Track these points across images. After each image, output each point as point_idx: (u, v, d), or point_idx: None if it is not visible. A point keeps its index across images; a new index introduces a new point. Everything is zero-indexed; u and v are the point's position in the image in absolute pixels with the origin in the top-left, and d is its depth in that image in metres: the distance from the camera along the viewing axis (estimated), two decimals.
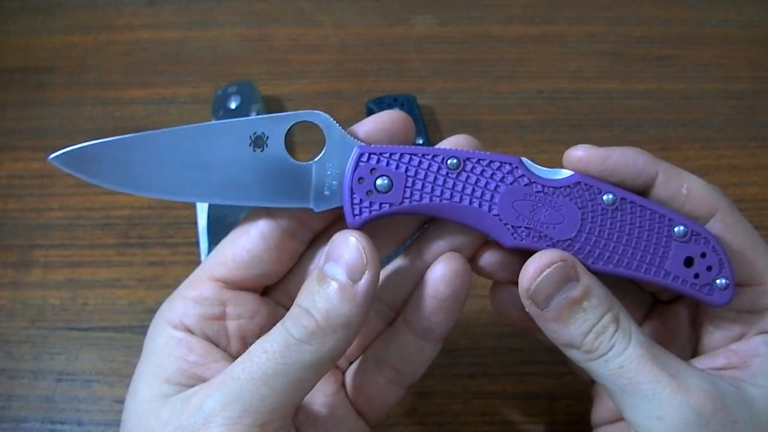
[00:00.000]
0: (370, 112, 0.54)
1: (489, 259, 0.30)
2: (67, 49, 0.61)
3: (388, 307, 0.32)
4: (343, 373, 0.34)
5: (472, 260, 0.31)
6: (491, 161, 0.29)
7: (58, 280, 0.48)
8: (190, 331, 0.29)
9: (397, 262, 0.32)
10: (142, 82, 0.58)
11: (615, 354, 0.27)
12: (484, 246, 0.30)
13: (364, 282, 0.27)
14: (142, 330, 0.31)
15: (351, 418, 0.32)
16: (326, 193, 0.29)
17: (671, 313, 0.32)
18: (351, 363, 0.34)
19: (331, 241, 0.28)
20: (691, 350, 0.32)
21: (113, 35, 0.62)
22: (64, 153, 0.28)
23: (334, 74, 0.59)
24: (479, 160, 0.29)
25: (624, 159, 0.29)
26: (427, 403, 0.42)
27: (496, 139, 0.54)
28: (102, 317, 0.46)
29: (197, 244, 0.48)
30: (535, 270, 0.27)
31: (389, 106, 0.54)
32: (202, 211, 0.49)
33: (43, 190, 0.52)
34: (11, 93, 0.58)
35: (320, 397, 0.32)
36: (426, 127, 0.53)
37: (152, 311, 0.31)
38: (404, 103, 0.54)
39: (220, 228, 0.47)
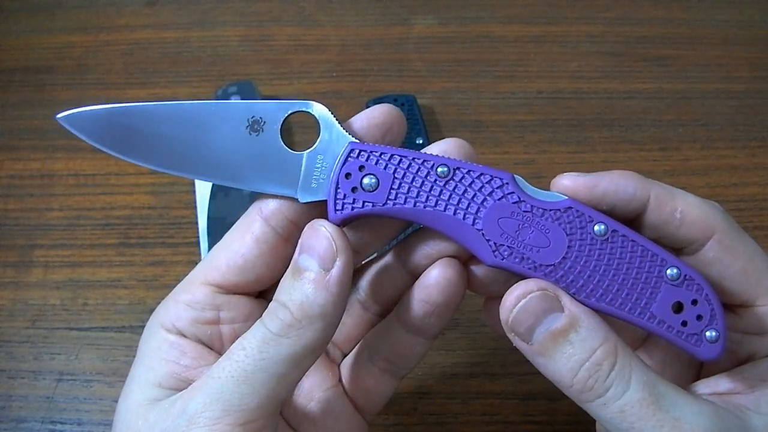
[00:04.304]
0: None
1: (481, 270, 0.30)
2: (67, 49, 0.61)
3: (375, 302, 0.32)
4: (338, 366, 0.34)
5: (465, 266, 0.30)
6: (482, 174, 0.28)
7: (58, 280, 0.48)
8: (182, 335, 0.29)
9: (388, 259, 0.32)
10: (142, 82, 0.58)
11: (614, 397, 0.26)
12: (475, 258, 0.29)
13: (336, 270, 0.27)
14: (142, 330, 0.31)
15: (348, 413, 0.32)
16: (313, 185, 0.29)
17: None
18: (345, 356, 0.34)
19: (302, 233, 0.28)
20: (697, 368, 0.31)
21: (113, 35, 0.62)
22: (71, 113, 0.28)
23: (334, 74, 0.59)
24: (470, 171, 0.28)
25: (614, 186, 0.28)
26: (427, 403, 0.42)
27: (496, 139, 0.55)
28: (102, 317, 0.46)
29: (197, 244, 0.48)
30: (512, 300, 0.27)
31: None
32: (202, 211, 0.49)
33: (43, 190, 0.52)
34: (11, 93, 0.58)
35: (318, 392, 0.32)
36: (426, 127, 0.53)
37: (152, 311, 0.31)
38: (404, 103, 0.54)
39: (220, 228, 0.47)
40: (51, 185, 0.52)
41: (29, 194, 0.52)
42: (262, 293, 0.32)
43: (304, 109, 0.29)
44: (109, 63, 0.60)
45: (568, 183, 0.28)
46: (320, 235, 0.27)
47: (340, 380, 0.33)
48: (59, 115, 0.28)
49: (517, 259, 0.27)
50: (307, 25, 0.62)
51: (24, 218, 0.51)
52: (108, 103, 0.28)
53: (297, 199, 0.29)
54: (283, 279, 0.28)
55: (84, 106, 0.29)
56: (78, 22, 0.63)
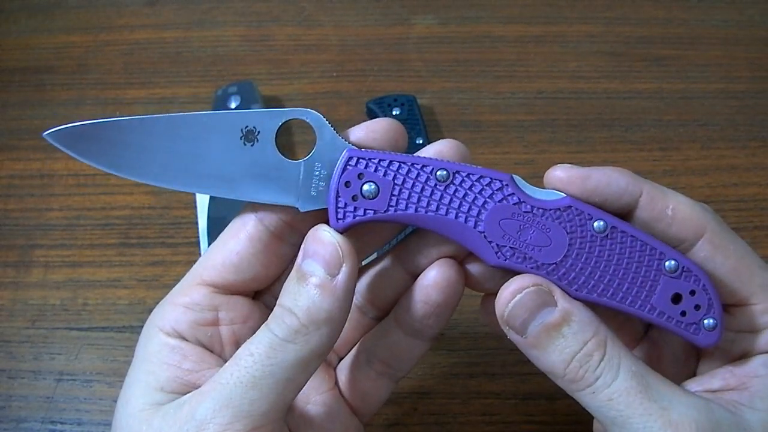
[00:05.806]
0: (370, 112, 0.54)
1: (478, 269, 0.30)
2: (67, 49, 0.61)
3: (373, 306, 0.32)
4: (335, 369, 0.34)
5: (462, 264, 0.30)
6: (481, 176, 0.28)
7: (58, 280, 0.48)
8: (183, 338, 0.29)
9: (386, 261, 0.32)
10: (142, 82, 0.58)
11: (603, 385, 0.26)
12: (472, 256, 0.30)
13: (342, 276, 0.27)
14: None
15: (345, 415, 0.32)
16: (313, 193, 0.29)
17: None
18: (341, 359, 0.34)
19: (306, 238, 0.28)
20: (693, 366, 0.31)
21: (113, 35, 0.62)
22: (59, 130, 0.28)
23: (334, 74, 0.59)
24: (469, 174, 0.28)
25: (606, 179, 0.28)
26: (427, 403, 0.42)
27: (496, 139, 0.55)
28: (102, 317, 0.46)
29: (197, 244, 0.48)
30: (507, 296, 0.27)
31: (389, 106, 0.54)
32: (202, 211, 0.49)
33: (43, 190, 0.52)
34: (11, 93, 0.58)
35: (314, 395, 0.32)
36: (426, 127, 0.53)
37: (152, 311, 0.31)
38: (404, 103, 0.54)
39: (220, 228, 0.46)
40: (51, 185, 0.52)
41: (29, 194, 0.52)
42: (258, 294, 0.32)
43: (298, 116, 0.29)
44: (109, 63, 0.60)
45: (561, 175, 0.28)
46: (326, 241, 0.27)
47: (336, 383, 0.33)
48: (46, 133, 0.28)
49: (519, 259, 0.28)
50: (307, 25, 0.62)
51: (24, 218, 0.51)
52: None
53: (297, 209, 0.29)
54: (286, 284, 0.28)
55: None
56: (78, 22, 0.63)
